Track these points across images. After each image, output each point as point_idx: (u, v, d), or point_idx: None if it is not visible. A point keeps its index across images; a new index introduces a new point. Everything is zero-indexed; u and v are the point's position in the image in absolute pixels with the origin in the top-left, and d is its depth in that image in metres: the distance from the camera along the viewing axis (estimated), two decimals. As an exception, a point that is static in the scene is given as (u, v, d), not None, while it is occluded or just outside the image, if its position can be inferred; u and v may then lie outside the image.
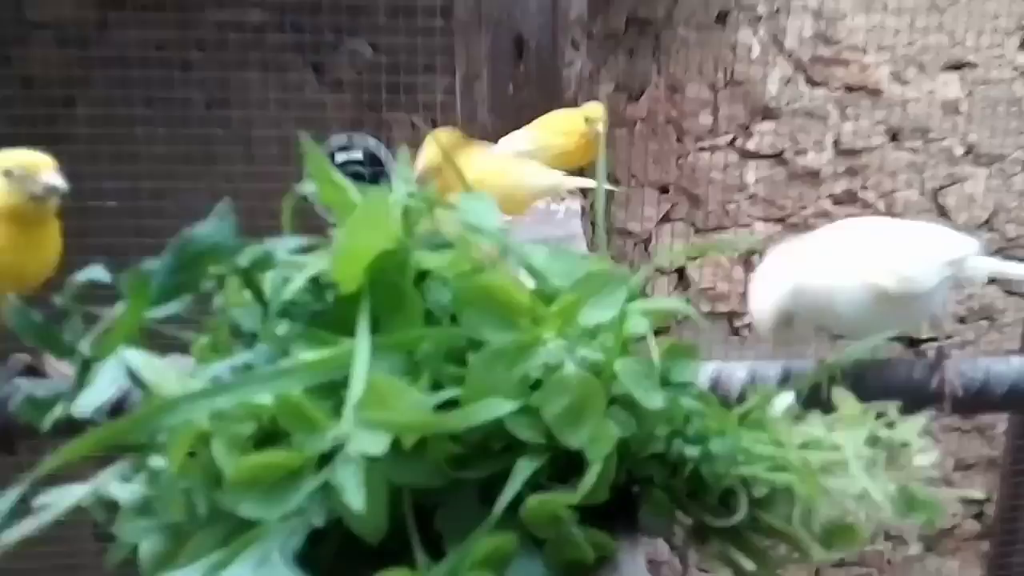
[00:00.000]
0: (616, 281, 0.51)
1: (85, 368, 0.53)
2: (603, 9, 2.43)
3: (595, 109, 1.53)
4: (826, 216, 2.61)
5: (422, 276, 0.55)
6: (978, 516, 2.80)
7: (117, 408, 0.62)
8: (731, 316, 2.63)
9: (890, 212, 2.63)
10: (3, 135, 2.07)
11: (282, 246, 0.56)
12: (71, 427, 0.56)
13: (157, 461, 0.51)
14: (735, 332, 2.64)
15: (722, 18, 2.51)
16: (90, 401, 0.53)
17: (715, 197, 2.57)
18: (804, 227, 2.61)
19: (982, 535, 2.79)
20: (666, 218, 2.59)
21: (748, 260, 2.62)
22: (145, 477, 0.52)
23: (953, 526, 2.79)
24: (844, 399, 0.59)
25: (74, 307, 0.58)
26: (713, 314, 2.61)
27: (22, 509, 0.49)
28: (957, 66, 2.57)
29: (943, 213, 2.65)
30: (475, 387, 0.49)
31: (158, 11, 2.14)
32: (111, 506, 0.51)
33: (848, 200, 2.62)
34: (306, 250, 0.57)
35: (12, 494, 0.46)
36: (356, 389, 0.45)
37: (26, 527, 0.47)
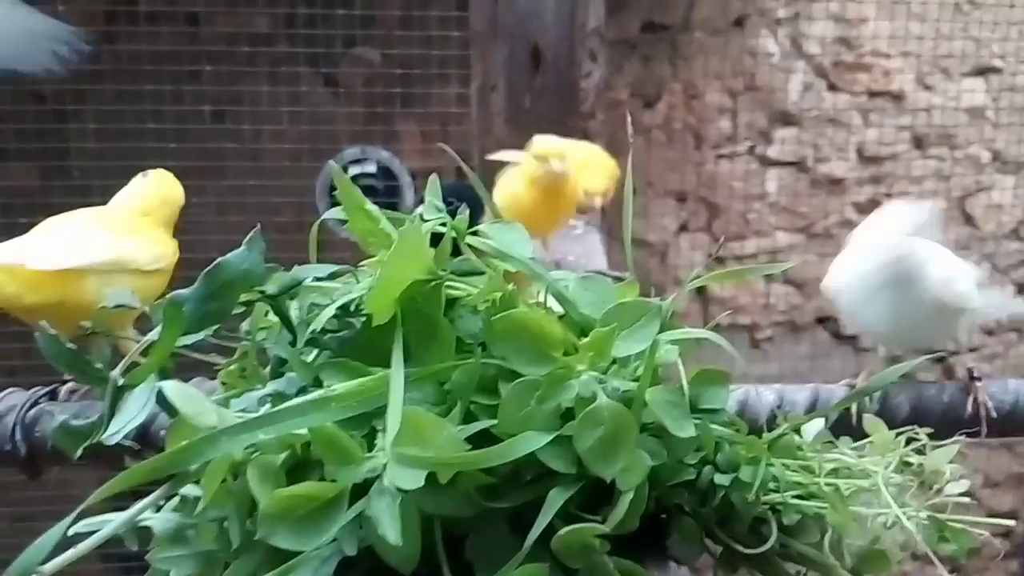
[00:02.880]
0: (650, 313, 0.51)
1: (117, 395, 0.53)
2: (618, 14, 2.42)
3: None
4: (849, 225, 2.59)
5: (451, 303, 0.55)
6: (1007, 535, 2.76)
7: (142, 433, 0.62)
8: (752, 328, 2.62)
9: (915, 221, 2.60)
10: (13, 149, 2.10)
11: (310, 273, 0.57)
12: (95, 452, 0.56)
13: (190, 490, 0.51)
14: (756, 345, 2.62)
15: (740, 22, 2.49)
16: (120, 428, 0.54)
17: (734, 206, 2.55)
18: (826, 237, 2.59)
19: (1010, 554, 2.76)
20: (684, 228, 2.57)
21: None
22: (178, 505, 0.52)
23: (981, 545, 2.75)
24: (874, 424, 0.59)
25: (103, 333, 0.59)
26: (734, 327, 2.60)
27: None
28: (982, 71, 2.54)
29: (969, 221, 2.62)
30: (508, 419, 0.49)
31: (167, 21, 2.15)
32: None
33: (872, 208, 2.58)
34: (334, 276, 0.58)
35: (58, 528, 0.47)
36: (393, 424, 0.45)
37: (65, 557, 0.47)
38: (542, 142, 1.29)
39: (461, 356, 0.52)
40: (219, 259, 0.54)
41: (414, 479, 0.44)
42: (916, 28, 2.48)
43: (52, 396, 0.79)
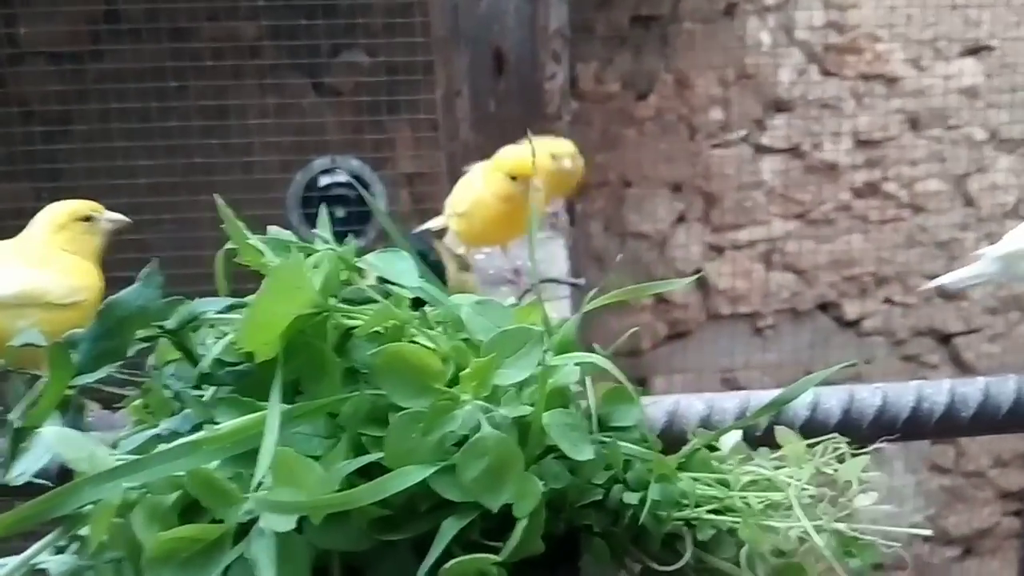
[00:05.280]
0: (532, 340, 0.50)
1: (17, 437, 0.53)
2: (607, 7, 2.41)
3: (561, 145, 1.49)
4: (847, 210, 2.57)
5: (349, 333, 0.55)
6: (1018, 513, 2.74)
7: (65, 471, 0.62)
8: (754, 317, 2.61)
9: (913, 203, 2.58)
10: (3, 169, 2.11)
11: (209, 306, 0.56)
12: (15, 489, 0.56)
13: (87, 531, 0.51)
14: (758, 332, 2.61)
15: (730, 10, 2.48)
16: (25, 469, 0.54)
17: (731, 195, 2.54)
18: (824, 222, 2.58)
19: (1022, 533, 2.73)
20: (681, 219, 2.56)
21: (768, 259, 2.58)
22: (76, 548, 0.52)
23: (995, 524, 2.73)
24: (785, 436, 0.58)
25: (16, 371, 0.59)
26: (735, 316, 2.59)
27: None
28: (975, 50, 2.51)
29: (969, 202, 2.59)
30: (394, 452, 0.49)
31: (151, 37, 2.16)
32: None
33: (869, 192, 2.58)
34: (232, 308, 0.57)
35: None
36: (263, 466, 0.45)
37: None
38: (509, 156, 1.30)
39: (355, 387, 0.52)
40: (112, 296, 0.54)
41: (285, 522, 0.44)
42: (907, 9, 2.46)
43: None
